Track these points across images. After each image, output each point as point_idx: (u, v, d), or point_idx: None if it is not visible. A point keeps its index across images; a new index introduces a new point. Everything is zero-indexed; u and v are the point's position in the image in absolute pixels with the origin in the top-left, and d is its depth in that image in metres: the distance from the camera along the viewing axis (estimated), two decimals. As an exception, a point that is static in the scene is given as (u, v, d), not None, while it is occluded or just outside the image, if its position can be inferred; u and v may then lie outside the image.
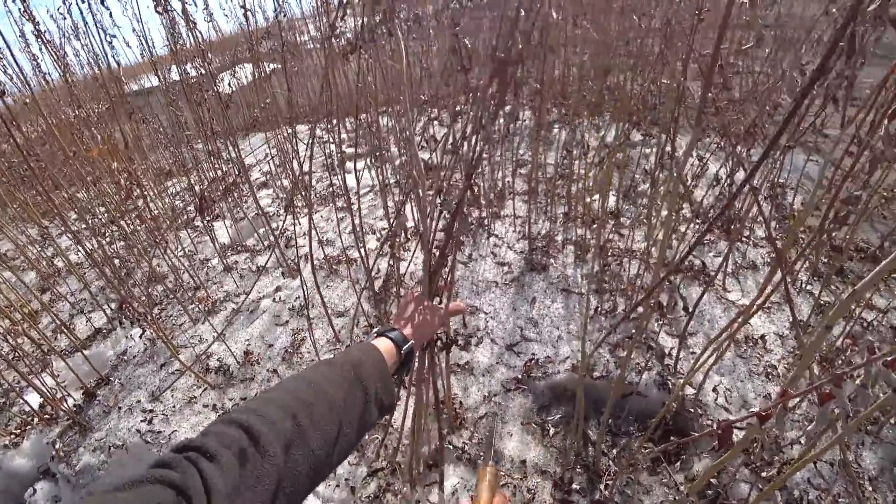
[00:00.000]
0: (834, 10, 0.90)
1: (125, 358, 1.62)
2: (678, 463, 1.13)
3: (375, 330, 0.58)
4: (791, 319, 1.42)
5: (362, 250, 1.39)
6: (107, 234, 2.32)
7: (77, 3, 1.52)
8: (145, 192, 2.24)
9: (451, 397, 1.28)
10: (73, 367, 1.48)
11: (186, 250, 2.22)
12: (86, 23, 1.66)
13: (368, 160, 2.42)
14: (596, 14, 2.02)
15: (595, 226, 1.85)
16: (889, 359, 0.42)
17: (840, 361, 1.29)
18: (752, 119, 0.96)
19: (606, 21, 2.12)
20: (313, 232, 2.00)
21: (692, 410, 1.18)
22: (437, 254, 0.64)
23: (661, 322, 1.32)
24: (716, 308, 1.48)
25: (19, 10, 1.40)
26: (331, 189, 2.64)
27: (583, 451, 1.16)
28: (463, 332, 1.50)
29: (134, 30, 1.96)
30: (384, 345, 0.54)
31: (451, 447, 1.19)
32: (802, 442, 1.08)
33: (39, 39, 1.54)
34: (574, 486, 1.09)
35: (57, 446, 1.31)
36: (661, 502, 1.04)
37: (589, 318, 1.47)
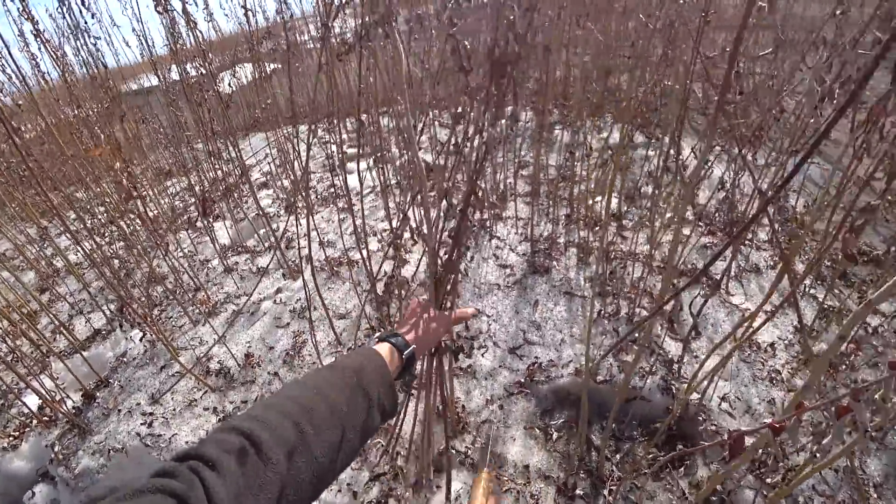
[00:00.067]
0: (839, 12, 0.90)
1: (125, 360, 1.61)
2: (682, 468, 1.12)
3: (377, 334, 0.58)
4: (794, 324, 1.41)
5: (364, 252, 1.38)
6: (106, 235, 2.31)
7: (77, 3, 1.51)
8: (145, 193, 2.22)
9: (453, 401, 1.27)
10: (72, 368, 1.47)
11: (186, 251, 2.21)
12: (76, 26, 1.65)
13: (369, 161, 2.41)
14: (597, 14, 2.02)
15: (598, 228, 1.84)
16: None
17: (844, 366, 1.29)
18: (758, 123, 0.96)
19: (608, 22, 2.11)
20: (314, 233, 1.99)
21: (699, 417, 1.17)
22: (443, 260, 0.63)
23: (665, 328, 1.32)
24: (719, 312, 1.48)
25: (18, 9, 1.38)
26: (332, 190, 2.63)
27: (586, 455, 1.15)
28: (465, 335, 1.49)
29: (134, 29, 1.95)
30: (386, 349, 0.54)
31: (453, 451, 1.18)
32: (808, 449, 1.07)
33: (38, 39, 1.53)
34: (578, 491, 1.08)
35: (56, 449, 1.30)
36: (666, 508, 1.04)
37: (592, 321, 1.46)
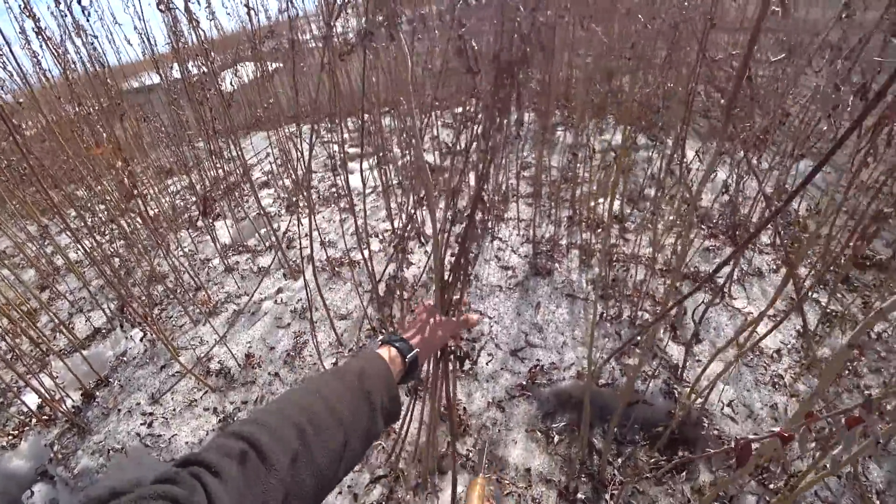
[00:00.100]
0: (844, 16, 0.89)
1: (125, 359, 1.61)
2: (684, 473, 1.12)
3: (381, 338, 0.57)
4: (797, 328, 1.40)
5: (365, 252, 1.37)
6: (106, 233, 2.30)
7: (77, 2, 1.50)
8: (145, 191, 2.22)
9: (455, 404, 1.27)
10: (71, 367, 1.46)
11: (187, 250, 2.20)
12: (77, 24, 1.64)
13: (371, 161, 2.40)
14: (601, 14, 2.01)
15: (600, 230, 1.83)
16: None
17: (847, 372, 1.28)
18: (763, 127, 0.95)
19: (610, 24, 2.10)
20: (315, 233, 1.99)
21: (702, 421, 1.17)
22: (451, 266, 0.63)
23: (669, 333, 1.31)
24: (721, 315, 1.47)
25: (20, 6, 1.37)
26: (333, 190, 2.62)
27: (588, 459, 1.15)
28: (467, 337, 1.48)
29: (136, 27, 1.94)
30: (389, 353, 0.53)
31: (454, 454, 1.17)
32: (811, 455, 1.07)
33: (40, 36, 1.52)
34: (579, 495, 1.08)
35: (55, 448, 1.29)
36: (668, 513, 1.03)
37: (594, 324, 1.45)
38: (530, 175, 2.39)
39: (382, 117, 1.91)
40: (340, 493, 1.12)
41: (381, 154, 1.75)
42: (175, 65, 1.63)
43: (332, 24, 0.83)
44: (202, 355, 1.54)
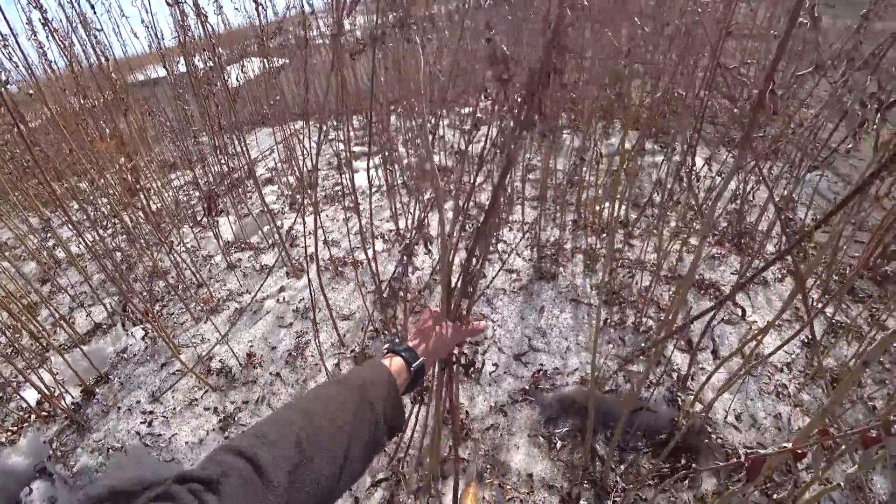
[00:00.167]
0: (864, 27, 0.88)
1: (125, 356, 1.60)
2: (686, 480, 1.11)
3: (385, 346, 0.57)
4: (801, 338, 1.40)
5: (369, 252, 1.36)
6: (109, 227, 2.29)
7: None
8: (149, 185, 2.20)
9: (457, 407, 1.26)
10: (71, 363, 1.45)
11: (189, 246, 2.19)
12: (83, 16, 1.63)
13: (376, 160, 2.39)
14: (609, 18, 2.00)
15: (605, 235, 1.83)
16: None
17: (851, 384, 1.28)
18: (776, 136, 0.95)
19: (618, 28, 2.09)
20: (318, 232, 1.97)
21: (707, 429, 1.17)
22: (459, 275, 0.62)
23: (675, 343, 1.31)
24: (726, 324, 1.47)
25: (27, -3, 1.36)
26: (337, 188, 2.61)
27: (590, 465, 1.14)
28: (470, 341, 1.48)
29: (143, 20, 1.93)
30: (394, 363, 0.53)
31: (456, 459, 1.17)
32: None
33: (46, 27, 1.51)
34: (582, 502, 1.07)
35: (54, 446, 1.29)
36: (671, 523, 1.03)
37: (599, 330, 1.45)
38: (536, 178, 2.39)
39: (389, 116, 1.90)
40: (362, 476, 1.11)
41: (386, 153, 1.74)
42: (181, 59, 1.62)
43: (342, 21, 0.82)
44: (203, 353, 1.53)
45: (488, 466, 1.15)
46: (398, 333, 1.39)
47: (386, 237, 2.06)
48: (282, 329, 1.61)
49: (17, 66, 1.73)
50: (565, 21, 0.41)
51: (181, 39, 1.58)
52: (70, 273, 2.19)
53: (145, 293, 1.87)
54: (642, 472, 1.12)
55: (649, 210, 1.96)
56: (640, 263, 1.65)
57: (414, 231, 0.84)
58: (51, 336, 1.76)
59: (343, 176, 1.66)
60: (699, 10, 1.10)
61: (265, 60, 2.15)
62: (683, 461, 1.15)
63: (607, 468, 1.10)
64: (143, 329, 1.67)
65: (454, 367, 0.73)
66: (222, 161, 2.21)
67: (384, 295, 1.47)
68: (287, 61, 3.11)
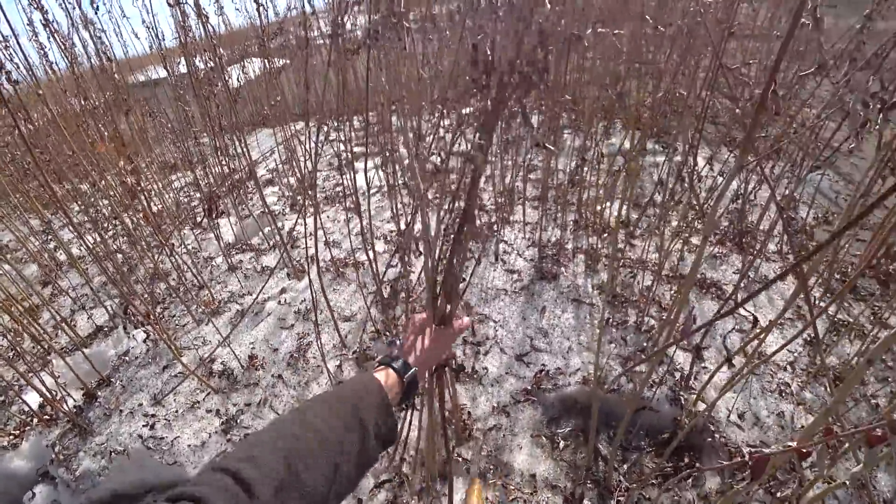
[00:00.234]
0: (867, 27, 0.89)
1: (127, 358, 1.60)
2: (690, 479, 1.11)
3: (378, 359, 0.57)
4: (804, 337, 1.40)
5: (370, 253, 1.36)
6: (110, 229, 2.29)
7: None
8: (149, 187, 2.20)
9: (458, 408, 1.26)
10: (73, 366, 1.45)
11: (190, 247, 2.19)
12: (84, 16, 1.63)
13: (377, 160, 2.39)
14: (611, 18, 2.00)
15: (606, 235, 1.83)
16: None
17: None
18: (778, 136, 0.95)
19: (620, 28, 2.09)
20: (319, 233, 1.98)
21: (710, 427, 1.17)
22: (443, 272, 0.61)
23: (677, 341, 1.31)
24: (727, 322, 1.47)
25: (27, -1, 1.36)
26: (338, 189, 2.61)
27: (593, 465, 1.14)
28: (472, 340, 1.48)
29: (143, 21, 1.93)
30: (386, 376, 0.53)
31: (459, 459, 1.17)
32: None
33: (47, 28, 1.51)
34: (585, 502, 1.07)
35: (56, 449, 1.28)
36: (675, 523, 1.03)
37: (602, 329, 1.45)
38: (537, 178, 2.39)
39: (390, 116, 1.90)
40: (354, 490, 1.11)
41: (386, 154, 1.74)
42: (182, 59, 1.62)
43: (338, 21, 0.82)
44: (205, 356, 1.53)
45: (491, 467, 1.15)
46: (399, 335, 1.39)
47: (387, 238, 2.06)
48: (283, 331, 1.61)
49: (18, 67, 1.73)
50: (542, 21, 0.39)
51: (182, 40, 1.57)
52: (71, 275, 2.19)
53: (146, 295, 1.87)
54: (645, 471, 1.13)
55: (651, 210, 1.96)
56: (642, 263, 1.65)
57: (405, 234, 0.84)
58: (52, 339, 1.76)
59: (344, 177, 1.66)
60: (701, 10, 1.10)
61: (266, 61, 2.15)
62: (687, 460, 1.15)
63: (610, 468, 1.10)
64: (144, 331, 1.66)
65: (446, 371, 0.73)
66: (223, 162, 2.21)
67: (385, 296, 1.46)
68: (288, 62, 3.11)
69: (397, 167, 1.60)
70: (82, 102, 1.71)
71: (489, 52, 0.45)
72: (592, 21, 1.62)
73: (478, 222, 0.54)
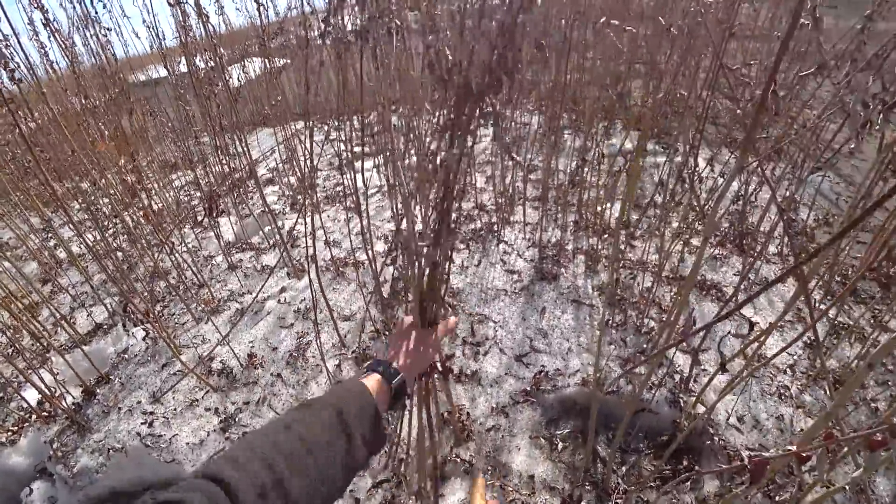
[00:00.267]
0: (867, 27, 0.88)
1: (126, 356, 1.60)
2: (688, 482, 1.11)
3: (366, 365, 0.57)
4: (804, 340, 1.40)
5: (370, 252, 1.36)
6: (110, 227, 2.29)
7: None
8: (150, 185, 2.21)
9: (457, 409, 1.26)
10: (72, 363, 1.45)
11: (190, 246, 2.19)
12: (86, 16, 1.63)
13: (377, 159, 2.39)
14: (613, 16, 1.99)
15: (606, 236, 1.83)
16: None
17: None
18: (779, 137, 0.95)
19: (620, 28, 2.09)
20: (319, 232, 1.98)
21: (708, 430, 1.16)
22: (427, 274, 0.61)
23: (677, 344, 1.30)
24: (727, 324, 1.46)
25: (28, -3, 1.36)
26: (338, 188, 2.61)
27: (592, 467, 1.14)
28: (471, 341, 1.48)
29: (144, 20, 1.93)
30: (373, 382, 0.53)
31: (457, 460, 1.16)
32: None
33: (48, 27, 1.51)
34: (583, 503, 1.07)
35: (54, 446, 1.28)
36: (673, 525, 1.02)
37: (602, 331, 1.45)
38: (537, 178, 2.38)
39: (390, 116, 1.89)
40: (342, 498, 1.11)
41: (386, 153, 1.74)
42: (183, 59, 1.62)
43: (330, 21, 0.81)
44: (204, 354, 1.53)
45: (490, 468, 1.15)
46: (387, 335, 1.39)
47: (387, 238, 2.06)
48: (283, 330, 1.61)
49: (19, 66, 1.73)
50: (504, 20, 0.38)
51: (183, 39, 1.58)
52: (71, 273, 2.19)
53: (146, 293, 1.87)
54: (644, 473, 1.12)
55: (651, 211, 1.96)
56: (642, 264, 1.65)
57: (396, 236, 0.84)
58: (51, 336, 1.76)
59: (344, 176, 1.66)
60: (702, 10, 1.10)
61: (266, 60, 2.15)
62: (685, 463, 1.14)
63: (609, 470, 1.10)
64: (143, 329, 1.66)
65: (434, 374, 0.73)
66: (223, 161, 2.21)
67: (384, 295, 1.46)
68: (288, 61, 3.12)
69: (397, 166, 1.60)
70: (83, 101, 1.71)
71: (449, 54, 0.44)
72: (593, 21, 1.61)
73: (469, 223, 0.54)
